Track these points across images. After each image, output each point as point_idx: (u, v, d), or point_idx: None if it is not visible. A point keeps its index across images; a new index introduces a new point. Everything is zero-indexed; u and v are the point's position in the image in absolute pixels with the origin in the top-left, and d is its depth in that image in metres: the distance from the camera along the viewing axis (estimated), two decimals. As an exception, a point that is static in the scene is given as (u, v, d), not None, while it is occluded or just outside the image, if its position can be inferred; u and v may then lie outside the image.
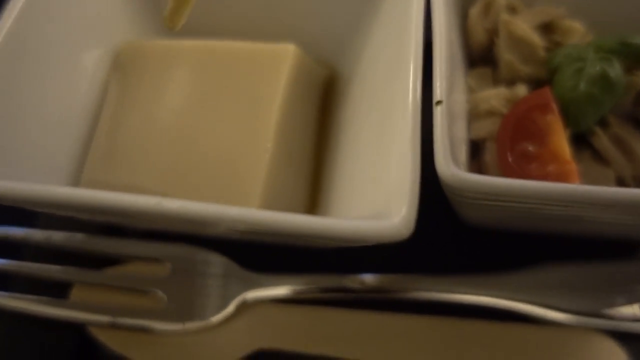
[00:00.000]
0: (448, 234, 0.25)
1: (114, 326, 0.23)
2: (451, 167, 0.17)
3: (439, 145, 0.18)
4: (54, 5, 0.23)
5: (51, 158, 0.23)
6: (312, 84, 0.26)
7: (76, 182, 0.24)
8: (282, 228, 0.18)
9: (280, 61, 0.24)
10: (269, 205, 0.22)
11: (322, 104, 0.27)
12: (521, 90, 0.23)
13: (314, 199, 0.25)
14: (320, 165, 0.26)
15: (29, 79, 0.22)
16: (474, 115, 0.24)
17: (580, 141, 0.23)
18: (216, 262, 0.24)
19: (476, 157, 0.23)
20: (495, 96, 0.23)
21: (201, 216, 0.18)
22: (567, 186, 0.18)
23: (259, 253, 0.24)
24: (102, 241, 0.25)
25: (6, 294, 0.23)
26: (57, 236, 0.24)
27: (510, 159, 0.21)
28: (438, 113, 0.19)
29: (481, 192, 0.17)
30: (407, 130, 0.19)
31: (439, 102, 0.19)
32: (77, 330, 0.23)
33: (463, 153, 0.22)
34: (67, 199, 0.18)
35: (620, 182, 0.22)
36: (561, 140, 0.21)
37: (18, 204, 0.20)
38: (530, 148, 0.21)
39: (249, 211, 0.18)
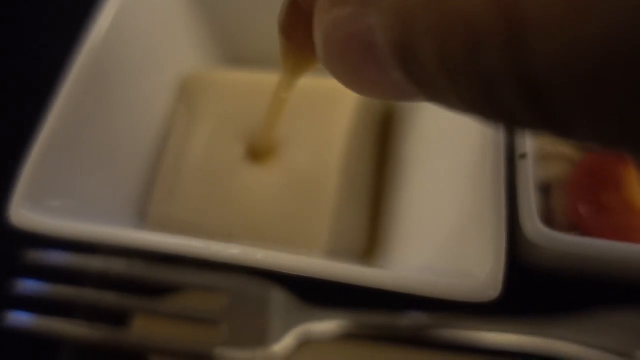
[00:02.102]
0: (510, 273, 0.25)
1: (182, 355, 0.23)
2: (539, 226, 0.17)
3: (525, 203, 0.18)
4: (132, 36, 0.23)
5: (122, 187, 0.23)
6: (373, 115, 0.26)
7: (144, 212, 0.24)
8: (354, 280, 0.18)
9: (344, 95, 0.24)
10: (334, 243, 0.23)
11: (380, 132, 0.27)
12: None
13: (373, 231, 0.25)
14: (380, 197, 0.26)
15: (108, 106, 0.22)
16: (539, 155, 0.24)
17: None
18: (275, 293, 0.25)
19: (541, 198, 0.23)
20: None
21: (280, 266, 0.18)
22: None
23: (319, 285, 0.24)
24: (162, 270, 0.25)
25: (67, 320, 0.23)
26: (117, 264, 0.25)
27: (581, 210, 0.21)
28: (522, 168, 0.19)
29: (574, 252, 0.17)
30: (492, 171, 0.19)
31: (523, 156, 0.19)
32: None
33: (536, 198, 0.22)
34: (139, 243, 0.18)
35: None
36: (635, 191, 0.21)
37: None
38: (603, 198, 0.21)
39: (321, 263, 0.18)
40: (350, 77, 0.10)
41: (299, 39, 0.12)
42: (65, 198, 0.21)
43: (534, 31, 0.06)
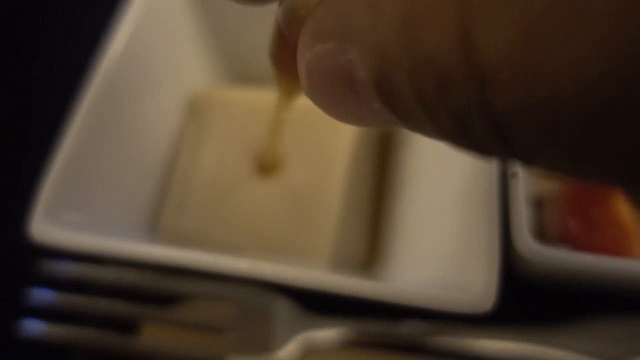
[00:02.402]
0: (505, 285, 0.26)
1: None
2: (530, 241, 0.18)
3: (516, 220, 0.19)
4: (145, 58, 0.24)
5: (134, 201, 0.24)
6: (373, 132, 0.27)
7: (156, 224, 0.25)
8: (356, 293, 0.19)
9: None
10: (335, 254, 0.24)
11: (380, 149, 0.28)
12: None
13: (373, 244, 0.26)
14: (379, 211, 0.27)
15: (121, 124, 0.23)
16: (533, 171, 0.25)
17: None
18: (279, 302, 0.26)
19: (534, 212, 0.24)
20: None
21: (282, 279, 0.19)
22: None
23: (321, 294, 0.25)
24: (170, 280, 0.26)
25: (80, 328, 0.24)
26: (128, 274, 0.26)
27: (571, 224, 0.22)
28: (514, 186, 0.20)
29: (563, 266, 0.18)
30: (485, 189, 0.20)
31: (514, 175, 0.20)
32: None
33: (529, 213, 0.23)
34: (152, 257, 0.19)
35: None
36: (622, 206, 0.22)
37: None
38: (592, 213, 0.22)
39: (326, 277, 0.19)
40: (333, 107, 0.10)
41: (287, 67, 0.13)
42: (82, 212, 0.22)
43: (491, 78, 0.07)
